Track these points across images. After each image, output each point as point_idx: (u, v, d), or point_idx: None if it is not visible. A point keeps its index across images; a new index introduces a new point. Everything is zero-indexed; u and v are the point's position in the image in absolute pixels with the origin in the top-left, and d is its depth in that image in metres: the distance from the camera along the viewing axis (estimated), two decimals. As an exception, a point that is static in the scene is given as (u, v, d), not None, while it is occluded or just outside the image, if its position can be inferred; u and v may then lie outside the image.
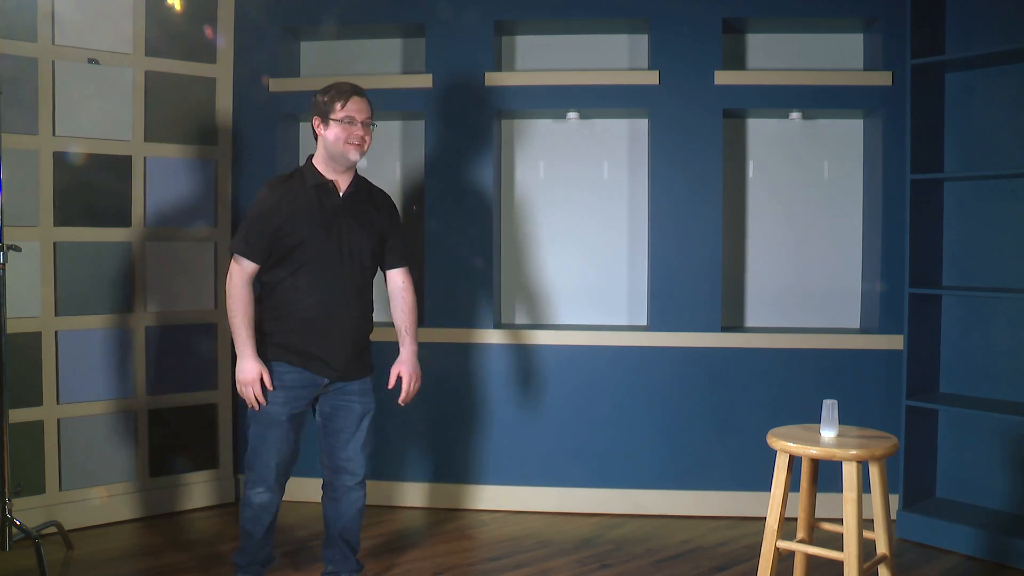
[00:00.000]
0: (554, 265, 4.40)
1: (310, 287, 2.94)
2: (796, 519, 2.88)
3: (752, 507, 4.04)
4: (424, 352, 4.13)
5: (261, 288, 3.00)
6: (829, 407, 2.73)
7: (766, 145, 4.32)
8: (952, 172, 3.88)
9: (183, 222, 4.10)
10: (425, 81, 4.17)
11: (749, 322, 4.36)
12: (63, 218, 3.81)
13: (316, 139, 3.01)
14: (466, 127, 4.17)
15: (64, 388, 3.82)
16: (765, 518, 2.77)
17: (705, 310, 4.09)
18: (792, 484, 2.79)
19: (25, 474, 3.63)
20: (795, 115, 4.16)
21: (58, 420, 3.80)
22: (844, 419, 2.84)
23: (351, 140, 2.94)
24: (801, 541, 2.83)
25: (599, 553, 3.66)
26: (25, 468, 3.64)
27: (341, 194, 3.00)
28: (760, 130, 4.33)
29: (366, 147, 2.99)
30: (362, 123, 2.96)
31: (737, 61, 4.31)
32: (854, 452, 2.59)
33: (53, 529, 3.54)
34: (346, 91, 2.97)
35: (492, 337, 4.17)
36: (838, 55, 4.25)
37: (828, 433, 2.71)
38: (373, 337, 3.16)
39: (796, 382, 4.05)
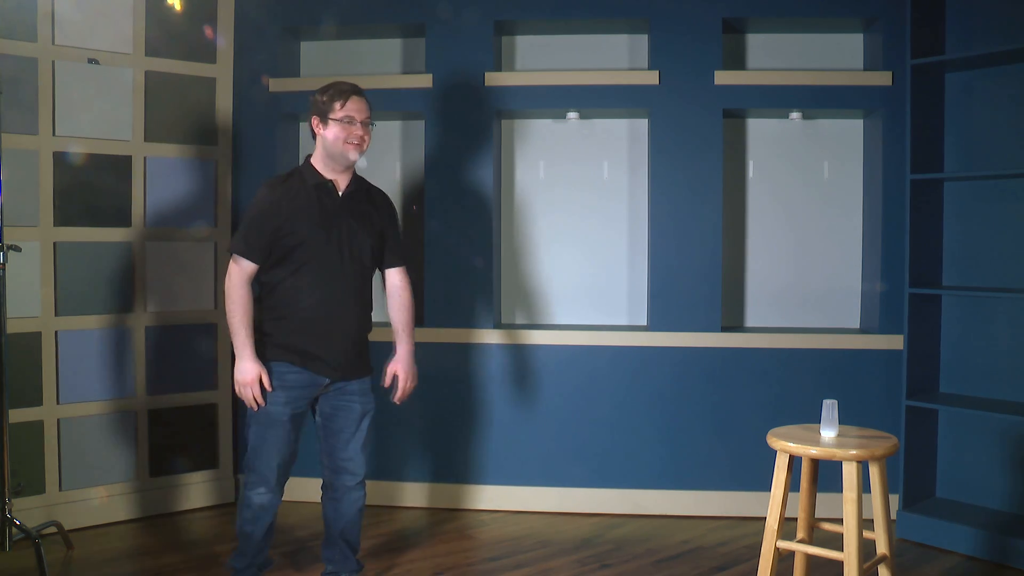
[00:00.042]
0: (554, 265, 4.40)
1: (311, 287, 2.94)
2: (796, 519, 2.88)
3: (752, 507, 4.04)
4: (424, 352, 4.14)
5: (260, 288, 2.99)
6: (829, 407, 2.73)
7: (766, 145, 4.32)
8: (952, 172, 3.88)
9: (183, 222, 4.10)
10: (425, 81, 4.17)
11: (749, 322, 4.36)
12: (63, 218, 3.81)
13: (314, 139, 3.01)
14: (466, 127, 4.17)
15: (64, 388, 3.82)
16: (765, 518, 2.77)
17: (705, 310, 4.09)
18: (792, 484, 2.79)
19: (25, 474, 3.63)
20: (795, 115, 4.16)
21: (58, 420, 3.80)
22: (844, 419, 2.84)
23: (350, 140, 2.94)
24: (801, 541, 2.83)
25: (599, 553, 3.66)
26: (25, 468, 3.64)
27: (341, 194, 3.00)
28: (760, 130, 4.33)
29: (365, 147, 3.00)
30: (361, 123, 2.96)
31: (737, 61, 4.31)
32: (854, 452, 2.59)
33: (53, 529, 3.54)
34: (345, 91, 2.96)
35: (492, 337, 4.17)
36: (838, 55, 4.25)
37: (828, 433, 2.71)
38: (371, 337, 3.16)
39: (796, 382, 4.05)
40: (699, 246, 4.09)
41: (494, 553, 3.69)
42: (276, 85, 4.26)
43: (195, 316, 4.13)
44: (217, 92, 4.16)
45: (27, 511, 3.60)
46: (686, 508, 4.12)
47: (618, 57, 4.36)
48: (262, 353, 2.94)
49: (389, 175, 4.47)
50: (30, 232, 3.70)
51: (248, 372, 2.89)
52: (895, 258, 3.97)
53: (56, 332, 3.80)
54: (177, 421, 4.11)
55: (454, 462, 4.23)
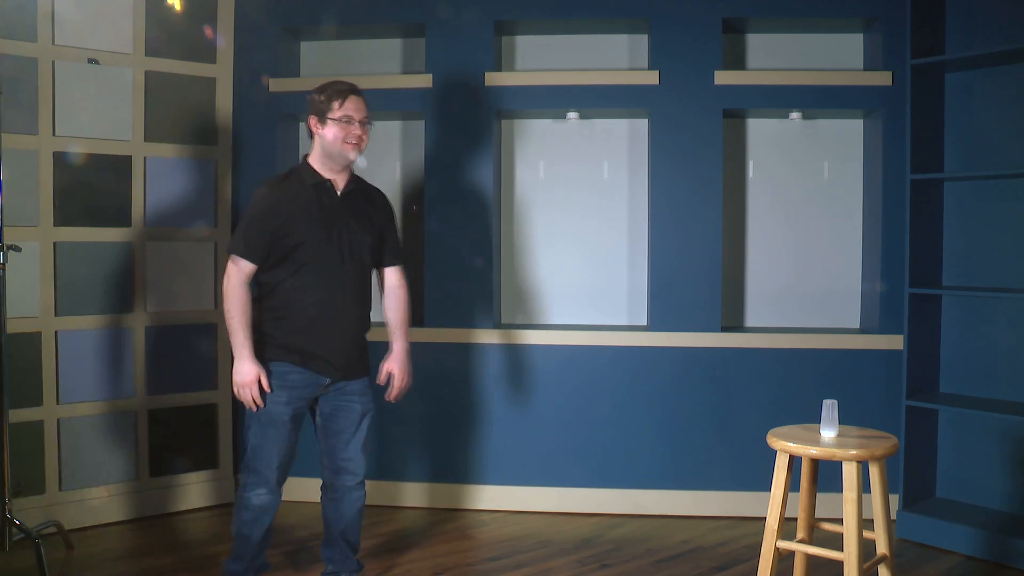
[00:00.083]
0: (554, 265, 4.40)
1: (312, 287, 2.94)
2: (796, 519, 2.88)
3: (752, 507, 4.04)
4: (424, 352, 4.15)
5: (260, 289, 2.99)
6: (829, 407, 2.73)
7: (766, 145, 4.32)
8: (952, 172, 3.88)
9: (183, 222, 4.10)
10: (425, 81, 4.17)
11: (749, 322, 4.36)
12: (63, 218, 3.81)
13: (312, 138, 3.01)
14: (466, 127, 4.17)
15: (64, 388, 3.82)
16: (765, 518, 2.77)
17: (705, 310, 4.09)
18: (792, 484, 2.79)
19: (25, 474, 3.62)
20: (795, 115, 4.16)
21: (58, 420, 3.80)
22: (844, 419, 2.84)
23: (349, 139, 2.94)
24: (801, 541, 2.83)
25: (599, 553, 3.66)
26: (25, 468, 3.64)
27: (339, 193, 3.00)
28: (760, 130, 4.33)
29: (363, 146, 2.99)
30: (360, 122, 2.96)
31: (737, 61, 4.31)
32: (854, 452, 2.59)
33: (53, 529, 3.54)
34: (343, 90, 2.96)
35: (492, 337, 4.17)
36: (838, 55, 4.25)
37: (828, 433, 2.71)
38: (368, 336, 3.16)
39: (796, 382, 4.05)
40: (699, 246, 4.09)
41: (494, 553, 3.69)
42: (276, 85, 4.26)
43: (195, 316, 4.13)
44: (217, 92, 4.16)
45: (27, 511, 3.60)
46: (686, 508, 4.12)
47: (618, 57, 4.36)
48: (262, 353, 2.94)
49: (389, 175, 4.47)
50: (30, 232, 3.70)
51: (247, 373, 2.89)
52: (895, 258, 3.97)
53: (56, 332, 3.80)
54: (177, 421, 4.11)
55: (454, 462, 4.23)
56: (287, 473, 3.05)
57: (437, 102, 4.17)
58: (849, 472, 2.59)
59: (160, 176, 4.03)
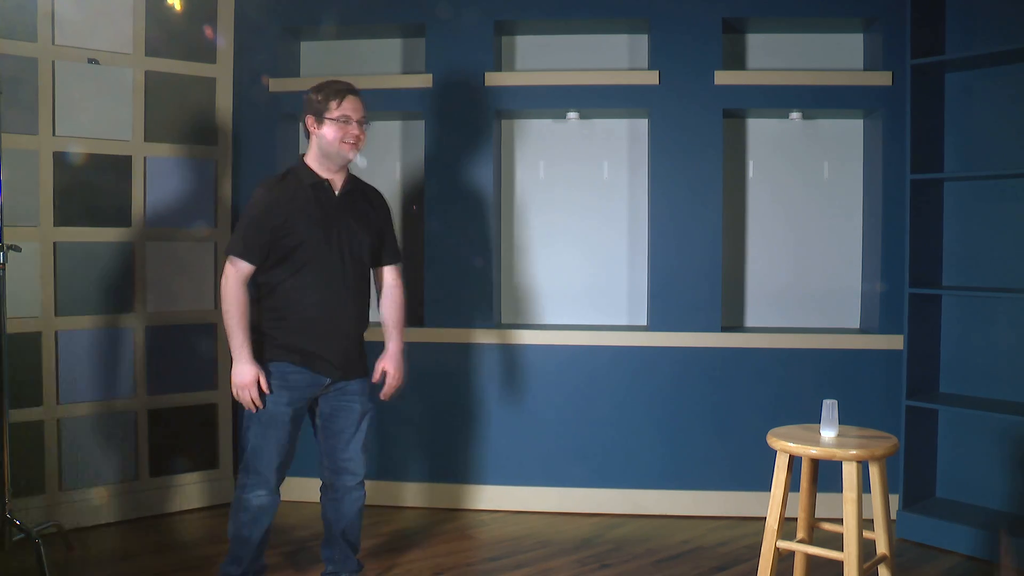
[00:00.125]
0: (554, 265, 4.40)
1: (312, 287, 2.93)
2: (796, 519, 2.88)
3: (752, 507, 4.04)
4: (424, 352, 4.15)
5: (259, 289, 2.98)
6: (829, 407, 2.73)
7: (766, 145, 4.32)
8: (952, 172, 3.88)
9: (183, 222, 4.10)
10: (425, 81, 4.17)
11: (749, 322, 4.36)
12: (63, 218, 3.81)
13: (308, 138, 3.00)
14: (466, 127, 4.17)
15: (64, 388, 3.82)
16: (765, 518, 2.77)
17: (705, 310, 4.09)
18: (792, 484, 2.79)
19: (25, 474, 3.63)
20: (795, 115, 4.16)
21: (58, 420, 3.80)
22: (844, 419, 2.84)
23: (347, 139, 2.93)
24: (801, 541, 2.83)
25: (599, 553, 3.66)
26: (25, 468, 3.64)
27: (337, 193, 3.00)
28: (760, 130, 4.33)
29: (361, 146, 2.99)
30: (357, 122, 2.96)
31: (737, 61, 4.31)
32: (854, 452, 2.59)
33: (53, 529, 3.54)
34: (341, 90, 2.95)
35: (492, 337, 4.17)
36: (838, 55, 4.25)
37: (828, 433, 2.71)
38: (366, 336, 3.16)
39: (796, 382, 4.05)
40: (699, 246, 4.09)
41: (494, 553, 3.69)
42: (276, 85, 4.26)
43: (195, 316, 4.13)
44: (217, 92, 4.16)
45: (27, 511, 3.60)
46: (686, 508, 4.12)
47: (618, 57, 4.36)
48: (262, 354, 2.93)
49: (389, 175, 4.47)
50: (30, 232, 3.70)
51: (246, 374, 2.89)
52: (895, 258, 3.97)
53: (56, 332, 3.80)
54: (177, 421, 4.11)
55: (454, 462, 4.22)
56: (286, 474, 3.05)
57: (437, 102, 4.17)
58: (849, 472, 2.59)
59: (160, 176, 4.03)
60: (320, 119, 2.94)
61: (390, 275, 3.18)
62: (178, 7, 4.01)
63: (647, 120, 4.24)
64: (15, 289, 3.57)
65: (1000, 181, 3.75)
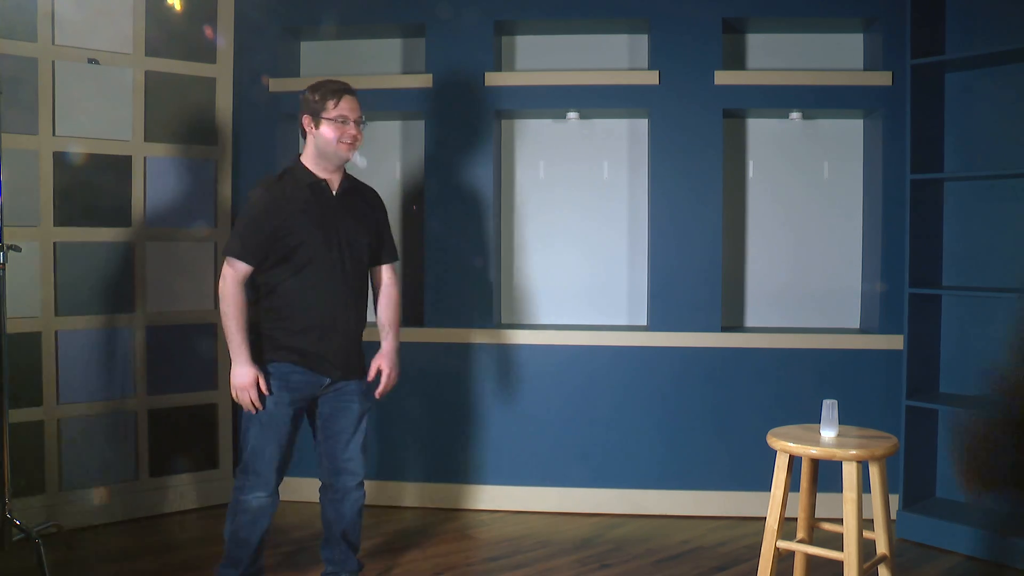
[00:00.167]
0: (554, 265, 4.40)
1: (312, 287, 2.93)
2: (796, 519, 2.88)
3: (752, 507, 4.04)
4: (424, 352, 4.16)
5: (258, 290, 2.96)
6: (829, 407, 2.73)
7: (766, 145, 4.32)
8: (952, 172, 3.88)
9: (183, 222, 4.10)
10: (425, 81, 4.17)
11: (749, 322, 4.36)
12: (63, 218, 3.81)
13: (303, 137, 3.00)
14: (466, 127, 4.17)
15: (64, 388, 3.82)
16: (765, 518, 2.77)
17: (705, 310, 4.09)
18: (792, 484, 2.79)
19: (25, 474, 3.63)
20: (795, 115, 4.16)
21: (58, 420, 3.80)
22: (844, 419, 2.84)
23: (344, 139, 2.93)
24: (801, 541, 2.83)
25: (599, 553, 3.66)
26: (25, 468, 3.64)
27: (335, 193, 3.00)
28: (760, 130, 4.32)
29: (358, 146, 2.99)
30: (354, 122, 2.95)
31: (737, 61, 4.31)
32: (854, 452, 2.59)
33: (53, 529, 3.54)
34: (337, 90, 2.95)
35: (492, 337, 4.17)
36: (838, 55, 4.25)
37: (828, 433, 2.71)
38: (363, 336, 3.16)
39: (796, 382, 4.05)
40: (699, 246, 4.09)
41: (494, 553, 3.69)
42: (276, 85, 4.26)
43: (195, 316, 4.13)
44: (217, 92, 4.16)
45: (27, 511, 3.59)
46: (686, 508, 4.12)
47: (618, 57, 4.36)
48: (263, 354, 2.93)
49: (389, 175, 4.47)
50: (30, 232, 3.70)
51: (245, 376, 2.88)
52: (895, 258, 3.97)
53: (56, 332, 3.79)
54: (177, 421, 4.11)
55: (454, 462, 4.22)
56: (285, 474, 3.04)
57: (437, 102, 4.17)
58: (849, 472, 2.59)
59: (160, 176, 4.03)
60: (317, 119, 2.93)
61: (387, 274, 3.18)
62: (178, 7, 4.01)
63: (647, 120, 4.24)
64: (15, 289, 3.57)
65: (1000, 181, 3.75)
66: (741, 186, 4.33)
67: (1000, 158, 3.76)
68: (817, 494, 2.89)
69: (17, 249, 3.37)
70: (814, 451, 2.62)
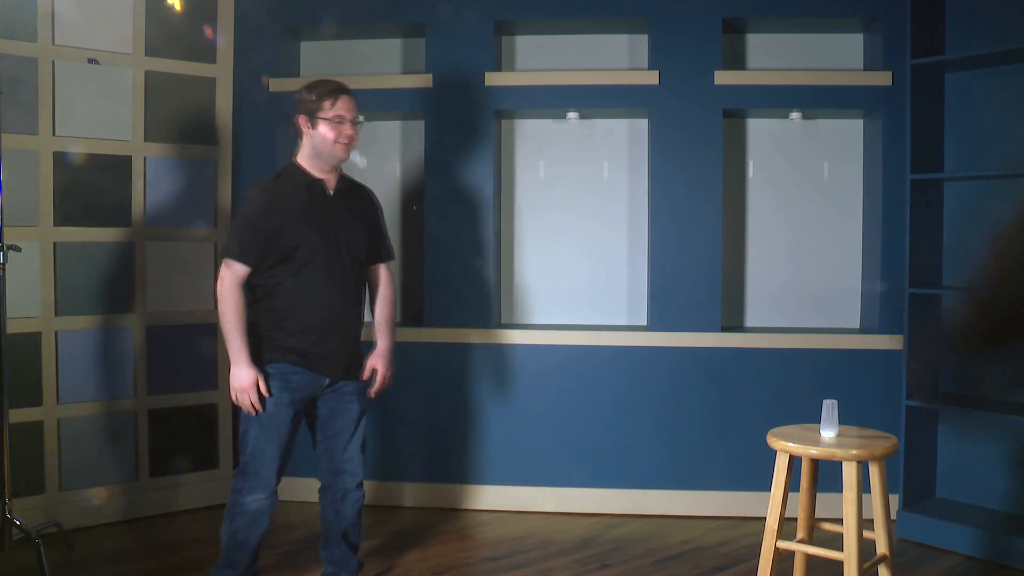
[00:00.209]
0: (554, 265, 4.40)
1: (312, 288, 2.93)
2: (796, 519, 2.88)
3: (752, 507, 4.04)
4: (424, 352, 4.16)
5: (257, 291, 2.95)
6: (829, 407, 2.73)
7: (766, 145, 4.32)
8: (952, 172, 3.88)
9: (183, 222, 4.10)
10: (425, 81, 4.17)
11: (749, 322, 4.36)
12: (63, 218, 3.81)
13: (298, 137, 2.99)
14: (466, 127, 4.17)
15: (64, 388, 3.82)
16: (765, 518, 2.77)
17: (705, 310, 4.09)
18: (792, 484, 2.79)
19: (25, 474, 3.62)
20: (795, 115, 4.16)
21: (58, 420, 3.80)
22: (844, 419, 2.84)
23: (341, 139, 2.93)
24: (801, 541, 2.83)
25: (599, 553, 3.66)
26: (25, 468, 3.64)
27: (331, 192, 2.99)
28: (760, 130, 4.32)
29: (354, 146, 2.99)
30: (351, 122, 2.95)
31: (737, 61, 4.30)
32: (854, 452, 2.59)
33: (53, 529, 3.54)
34: (334, 90, 2.94)
35: (492, 337, 4.17)
36: (838, 55, 4.25)
37: (828, 433, 2.71)
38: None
39: (796, 382, 4.05)
40: (699, 246, 4.09)
41: (494, 553, 3.69)
42: (276, 85, 4.26)
43: (195, 316, 4.13)
44: (217, 92, 4.16)
45: (27, 511, 3.59)
46: (686, 508, 4.12)
47: (618, 57, 4.36)
48: (262, 355, 2.92)
49: (389, 175, 4.47)
50: (30, 232, 3.70)
51: (245, 378, 2.87)
52: (895, 258, 3.97)
53: (56, 332, 3.79)
54: (177, 421, 4.11)
55: (454, 462, 4.22)
56: (283, 475, 3.03)
57: (437, 102, 4.17)
58: (849, 472, 2.59)
59: (160, 176, 4.03)
60: (313, 119, 2.93)
61: (383, 273, 3.18)
62: (178, 7, 4.01)
63: (647, 120, 4.24)
64: (15, 289, 3.57)
65: (1000, 181, 3.74)
66: (741, 186, 4.33)
67: (1000, 158, 3.76)
68: (817, 494, 2.89)
69: (17, 249, 3.37)
70: (814, 451, 2.62)
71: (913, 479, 3.85)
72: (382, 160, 4.46)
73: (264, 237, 2.87)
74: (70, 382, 3.83)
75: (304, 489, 3.98)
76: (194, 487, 4.15)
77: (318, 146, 2.93)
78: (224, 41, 4.15)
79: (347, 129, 2.93)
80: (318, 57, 4.50)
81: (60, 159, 3.78)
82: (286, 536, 3.78)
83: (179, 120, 4.07)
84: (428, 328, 4.19)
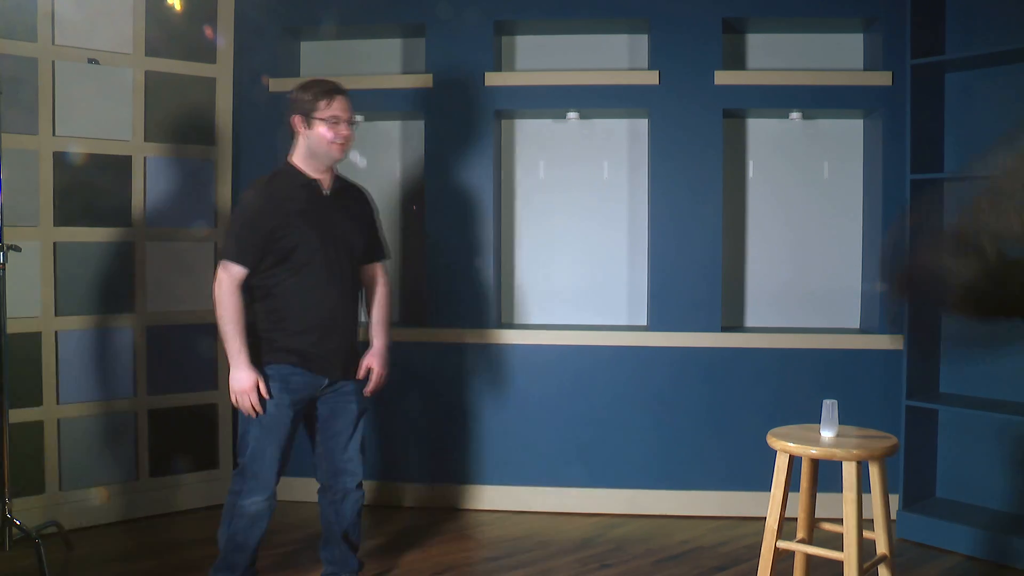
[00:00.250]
0: (554, 265, 4.40)
1: (311, 288, 2.92)
2: (796, 519, 2.88)
3: (752, 507, 4.04)
4: (424, 352, 4.16)
5: (254, 292, 2.94)
6: (829, 407, 2.73)
7: (766, 145, 4.32)
8: (952, 172, 3.88)
9: (183, 222, 4.10)
10: (425, 81, 4.17)
11: (749, 322, 4.36)
12: (63, 218, 3.81)
13: (293, 137, 2.99)
14: (466, 127, 4.17)
15: (64, 388, 3.82)
16: (765, 518, 2.77)
17: (705, 310, 4.09)
18: (792, 484, 2.79)
19: (25, 474, 3.62)
20: (795, 115, 4.16)
21: (58, 420, 3.80)
22: (844, 419, 2.84)
23: (337, 140, 2.92)
24: (801, 541, 2.83)
25: (599, 553, 3.66)
26: (25, 468, 3.64)
27: (327, 192, 2.99)
28: (760, 130, 4.32)
29: (349, 145, 2.98)
30: (346, 122, 2.94)
31: (737, 61, 4.30)
32: (854, 452, 2.59)
33: (53, 529, 3.54)
34: (329, 90, 2.93)
35: (492, 337, 4.17)
36: (838, 55, 4.25)
37: (828, 433, 2.71)
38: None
39: (796, 382, 4.05)
40: (699, 246, 4.09)
41: (494, 553, 3.69)
42: (276, 85, 4.26)
43: (195, 316, 4.13)
44: (217, 92, 4.16)
45: (27, 511, 3.60)
46: (686, 508, 4.12)
47: (618, 57, 4.36)
48: (262, 357, 2.91)
49: (389, 175, 4.47)
50: (30, 232, 3.70)
51: (245, 380, 2.86)
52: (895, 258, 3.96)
53: (56, 332, 3.79)
54: (177, 421, 4.11)
55: (454, 462, 4.22)
56: (281, 476, 3.03)
57: (437, 102, 4.17)
58: (849, 472, 2.59)
59: (160, 176, 4.03)
60: (309, 119, 2.92)
61: (378, 272, 3.18)
62: (178, 7, 4.01)
63: (647, 120, 4.24)
64: (15, 289, 3.57)
65: (1000, 181, 3.74)
66: (741, 186, 4.33)
67: (1000, 158, 3.75)
68: (817, 494, 2.89)
69: (17, 249, 3.37)
70: (814, 451, 2.62)
71: (913, 479, 3.85)
72: (382, 160, 4.46)
73: (263, 237, 2.86)
74: (70, 382, 3.83)
75: (304, 489, 3.98)
76: (194, 487, 4.15)
77: (314, 146, 2.93)
78: (224, 41, 4.15)
79: (343, 129, 2.93)
80: (318, 57, 4.50)
81: (60, 159, 3.78)
82: (286, 536, 3.78)
83: (179, 120, 4.07)
84: (428, 328, 4.19)
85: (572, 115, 4.24)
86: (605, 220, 4.38)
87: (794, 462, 2.76)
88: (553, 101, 4.16)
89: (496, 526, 4.01)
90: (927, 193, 3.86)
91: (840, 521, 2.66)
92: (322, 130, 2.90)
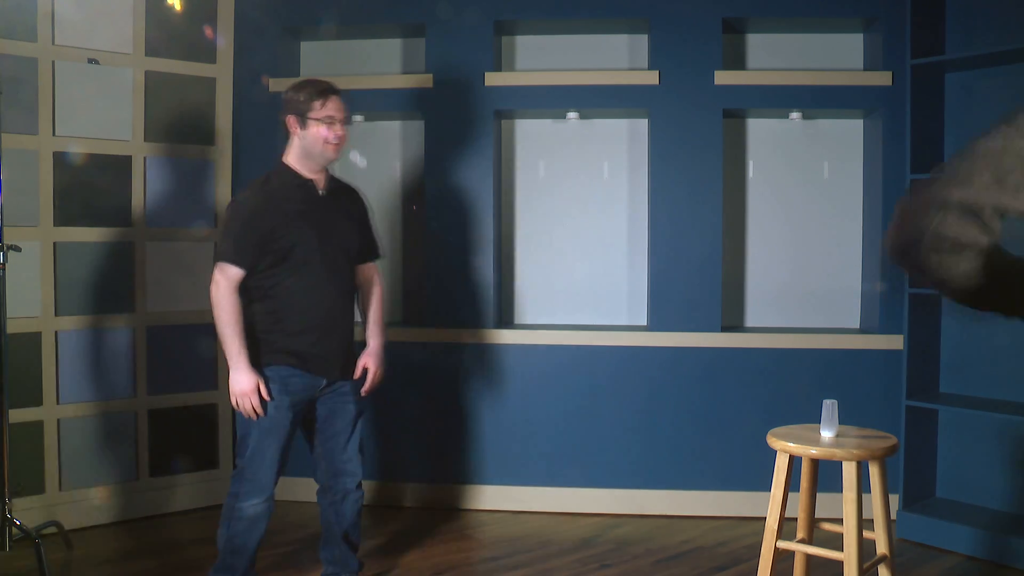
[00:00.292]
0: (554, 265, 4.40)
1: (308, 288, 2.92)
2: (796, 519, 2.88)
3: (752, 507, 4.04)
4: (424, 352, 4.15)
5: (251, 293, 2.92)
6: (829, 407, 2.73)
7: (766, 145, 4.32)
8: (952, 172, 3.87)
9: (183, 222, 4.10)
10: (425, 81, 4.17)
11: (749, 322, 4.35)
12: (63, 218, 3.81)
13: (287, 138, 2.98)
14: (466, 127, 4.17)
15: (64, 388, 3.82)
16: (765, 518, 2.77)
17: (705, 310, 4.09)
18: (792, 484, 2.79)
19: (25, 474, 3.62)
20: (795, 115, 4.16)
21: (58, 420, 3.80)
22: (844, 419, 2.84)
23: (332, 140, 2.91)
24: (801, 541, 2.83)
25: (599, 553, 3.66)
26: (25, 468, 3.64)
27: (322, 192, 2.99)
28: (760, 130, 4.32)
29: (343, 145, 2.98)
30: (340, 122, 2.94)
31: (737, 61, 4.30)
32: (854, 452, 2.59)
33: (53, 529, 3.54)
34: (324, 90, 2.92)
35: (492, 337, 4.17)
36: (838, 55, 4.25)
37: (828, 433, 2.71)
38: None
39: (796, 382, 4.05)
40: (699, 246, 4.09)
41: (494, 553, 3.69)
42: (276, 85, 4.25)
43: (195, 316, 4.12)
44: (217, 92, 4.16)
45: (27, 511, 3.60)
46: (686, 508, 4.12)
47: (618, 57, 4.36)
48: (260, 358, 2.90)
49: (389, 175, 4.47)
50: (30, 232, 3.70)
51: (246, 383, 2.84)
52: (895, 258, 3.96)
53: (56, 332, 3.79)
54: (177, 421, 4.11)
55: (454, 462, 4.22)
56: (280, 477, 3.02)
57: (437, 102, 4.17)
58: (849, 472, 2.59)
59: (160, 176, 4.03)
60: (303, 119, 2.91)
61: (373, 271, 3.19)
62: (178, 7, 4.01)
63: (647, 120, 4.24)
64: (15, 289, 3.57)
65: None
66: (741, 186, 4.33)
67: (1000, 158, 3.75)
68: (817, 494, 2.89)
69: (17, 249, 3.37)
70: (814, 451, 2.62)
71: (913, 479, 3.85)
72: (382, 160, 4.46)
73: (261, 238, 2.85)
74: (70, 382, 3.83)
75: (303, 489, 3.98)
76: (194, 487, 4.15)
77: (308, 146, 2.92)
78: (224, 41, 4.15)
79: (337, 130, 2.92)
80: (318, 57, 4.50)
81: (60, 159, 3.78)
82: (286, 536, 3.78)
83: (179, 120, 4.07)
84: (428, 328, 4.19)
85: (572, 115, 4.24)
86: (605, 220, 4.38)
87: (794, 462, 2.76)
88: (553, 101, 4.16)
89: (496, 526, 4.01)
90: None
91: (840, 521, 2.65)
92: (316, 130, 2.89)
